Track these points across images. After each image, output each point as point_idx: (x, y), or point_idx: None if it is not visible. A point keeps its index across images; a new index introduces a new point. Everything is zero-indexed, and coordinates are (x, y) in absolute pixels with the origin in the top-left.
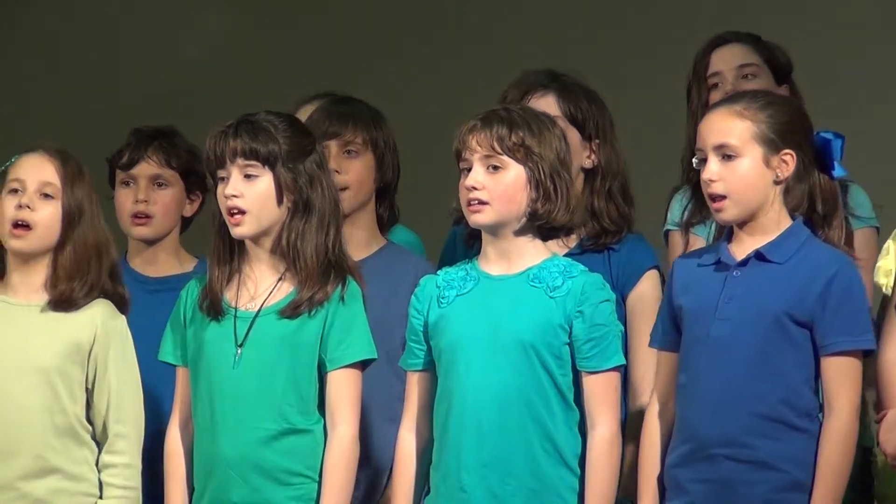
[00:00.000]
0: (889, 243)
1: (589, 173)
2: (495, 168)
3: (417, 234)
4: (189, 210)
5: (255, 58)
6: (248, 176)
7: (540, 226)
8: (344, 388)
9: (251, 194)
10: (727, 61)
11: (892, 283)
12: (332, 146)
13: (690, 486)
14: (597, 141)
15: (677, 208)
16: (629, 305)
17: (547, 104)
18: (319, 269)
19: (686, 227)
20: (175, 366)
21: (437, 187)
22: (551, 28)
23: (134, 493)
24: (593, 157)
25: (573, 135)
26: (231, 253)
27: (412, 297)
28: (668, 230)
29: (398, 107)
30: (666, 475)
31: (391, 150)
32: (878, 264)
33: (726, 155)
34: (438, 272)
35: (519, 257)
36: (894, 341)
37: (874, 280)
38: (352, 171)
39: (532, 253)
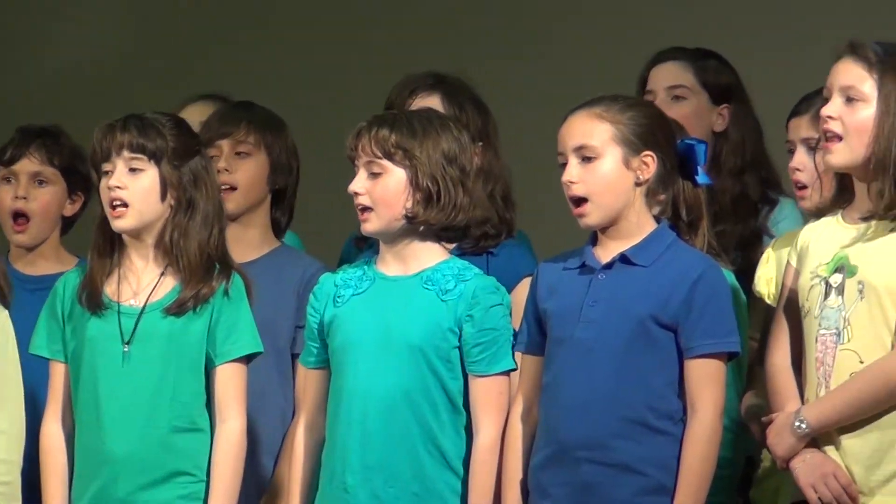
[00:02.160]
0: (768, 251)
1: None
2: (376, 174)
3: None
4: (70, 210)
5: (140, 58)
6: (132, 170)
7: (424, 230)
8: (231, 383)
9: (135, 188)
10: (660, 80)
11: (772, 292)
12: (224, 145)
13: (553, 489)
14: (479, 145)
15: None
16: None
17: (431, 105)
18: (202, 267)
19: None
20: (48, 360)
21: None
22: (451, 31)
23: (8, 488)
24: (476, 160)
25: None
26: (112, 247)
27: (310, 295)
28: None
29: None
30: (530, 478)
31: (288, 156)
32: (758, 273)
33: (586, 157)
34: (337, 271)
35: (414, 259)
36: (782, 346)
37: (754, 289)
38: (241, 171)
39: (427, 254)
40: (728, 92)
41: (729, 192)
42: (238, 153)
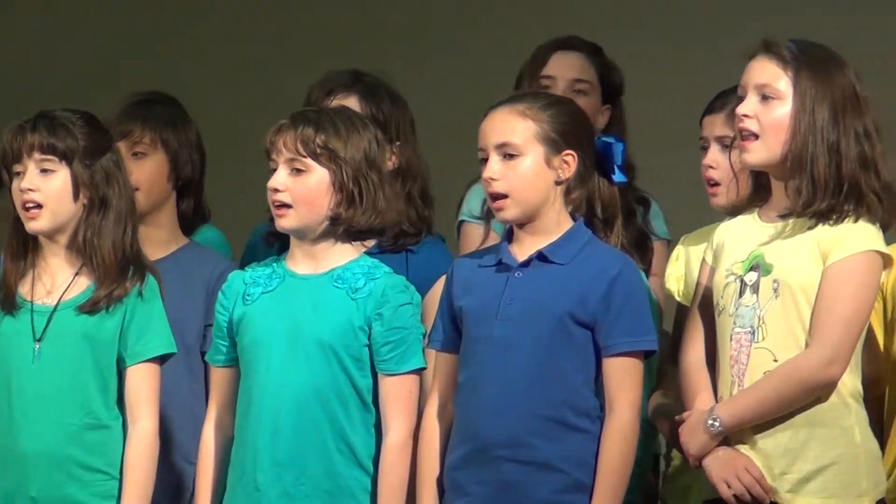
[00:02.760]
0: (678, 249)
1: (388, 175)
2: (299, 171)
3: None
4: None
5: (60, 58)
6: (44, 171)
7: (344, 231)
8: (144, 383)
9: (47, 189)
10: (564, 69)
11: (682, 289)
12: (122, 147)
13: (471, 487)
14: (398, 143)
15: (475, 199)
16: (424, 308)
17: (350, 105)
18: (117, 266)
19: (487, 219)
20: None
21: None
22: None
23: None
24: (394, 159)
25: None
26: (25, 248)
27: (219, 293)
28: (462, 221)
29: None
30: (446, 477)
31: (190, 149)
32: (668, 271)
33: (508, 154)
34: (246, 269)
35: (325, 257)
36: (697, 344)
37: (665, 287)
38: (139, 171)
39: (338, 253)
40: (617, 92)
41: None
42: (135, 153)
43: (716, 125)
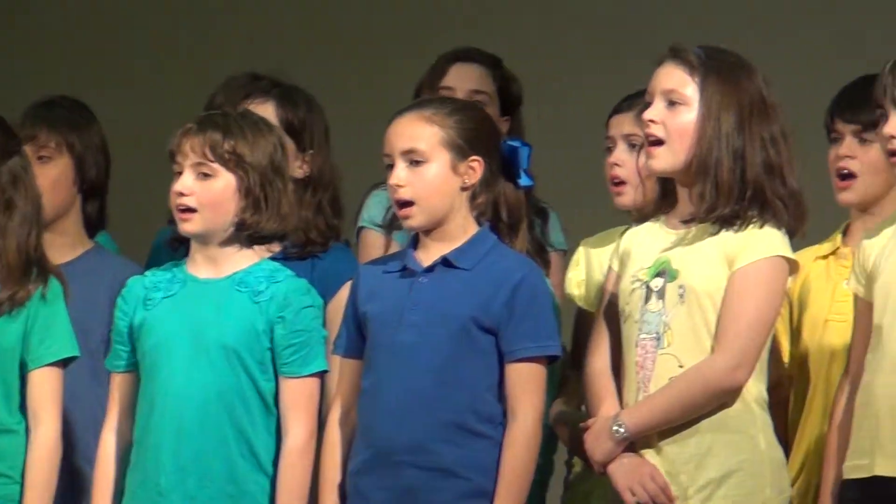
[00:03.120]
0: (579, 252)
1: (300, 183)
2: (206, 175)
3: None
4: None
5: None
6: None
7: (249, 236)
8: (46, 387)
9: None
10: (463, 80)
11: (583, 294)
12: (27, 151)
13: (373, 493)
14: (311, 152)
15: (376, 206)
16: (328, 313)
17: (265, 111)
18: (21, 268)
19: (390, 228)
20: None
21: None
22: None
23: None
24: (306, 167)
25: (288, 144)
26: None
27: (119, 298)
28: (361, 227)
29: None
30: (348, 482)
31: (95, 152)
32: (569, 276)
33: (414, 160)
34: (146, 273)
35: (226, 262)
36: (602, 350)
37: (565, 291)
38: (44, 176)
39: (240, 257)
40: (514, 104)
41: None
42: (40, 157)
43: (623, 124)
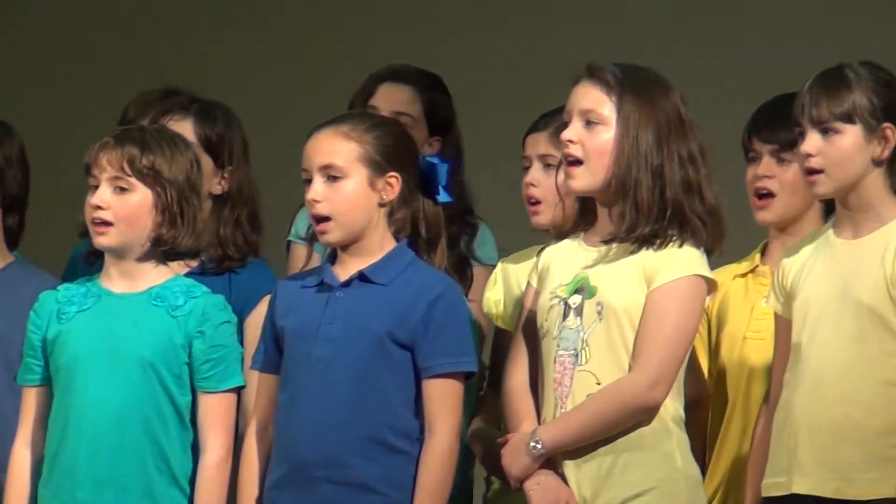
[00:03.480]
0: (497, 272)
1: (217, 199)
2: (122, 189)
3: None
4: None
5: None
6: None
7: (165, 252)
8: None
9: None
10: (388, 101)
11: (500, 313)
12: None
13: None
14: (230, 168)
15: (303, 221)
16: (246, 328)
17: (184, 127)
18: None
19: (311, 241)
20: None
21: None
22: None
23: None
24: (224, 183)
25: (206, 161)
26: None
27: (31, 312)
28: (289, 241)
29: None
30: (265, 497)
31: (15, 165)
32: (487, 295)
33: (331, 176)
34: (58, 288)
35: (142, 276)
36: (520, 367)
37: (484, 311)
38: None
39: (155, 272)
40: (444, 125)
41: None
42: None
43: (539, 144)
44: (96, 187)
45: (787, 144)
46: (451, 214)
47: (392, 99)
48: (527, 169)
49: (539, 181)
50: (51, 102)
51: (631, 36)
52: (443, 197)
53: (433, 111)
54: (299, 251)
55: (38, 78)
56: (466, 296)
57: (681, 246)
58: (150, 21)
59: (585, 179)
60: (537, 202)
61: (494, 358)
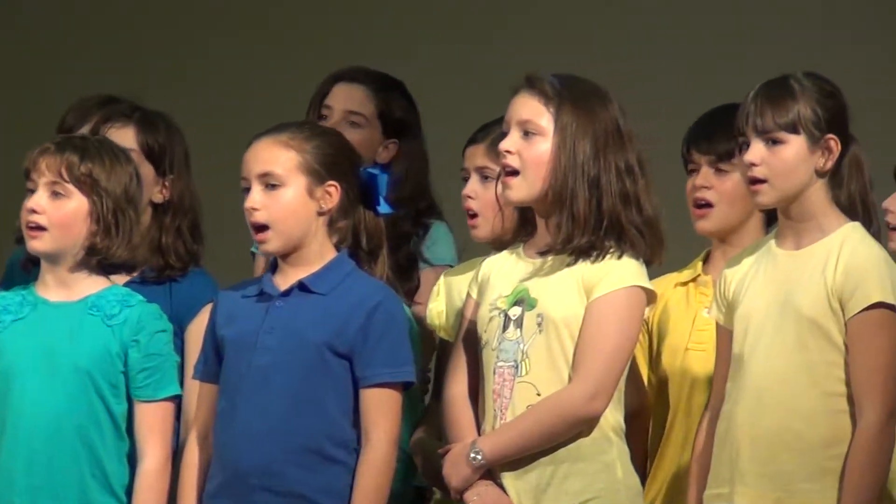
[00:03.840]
0: (440, 283)
1: (158, 208)
2: (59, 195)
3: None
4: None
5: None
6: None
7: (99, 260)
8: None
9: None
10: (340, 100)
11: (443, 324)
12: None
13: None
14: (171, 176)
15: None
16: (187, 337)
17: (125, 135)
18: None
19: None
20: None
21: None
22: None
23: None
24: (165, 192)
25: (147, 170)
26: None
27: None
28: (253, 252)
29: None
30: None
31: None
32: (430, 306)
33: (270, 184)
34: None
35: (78, 285)
36: (460, 378)
37: (427, 322)
38: None
39: (91, 282)
40: (400, 127)
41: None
42: None
43: (477, 156)
44: (34, 192)
45: (725, 155)
46: (407, 214)
47: (345, 98)
48: (465, 180)
49: (477, 193)
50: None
51: (591, 46)
52: (383, 208)
53: (388, 112)
54: (262, 262)
55: None
56: (413, 298)
57: (619, 257)
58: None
59: (522, 190)
60: (475, 215)
61: (438, 368)
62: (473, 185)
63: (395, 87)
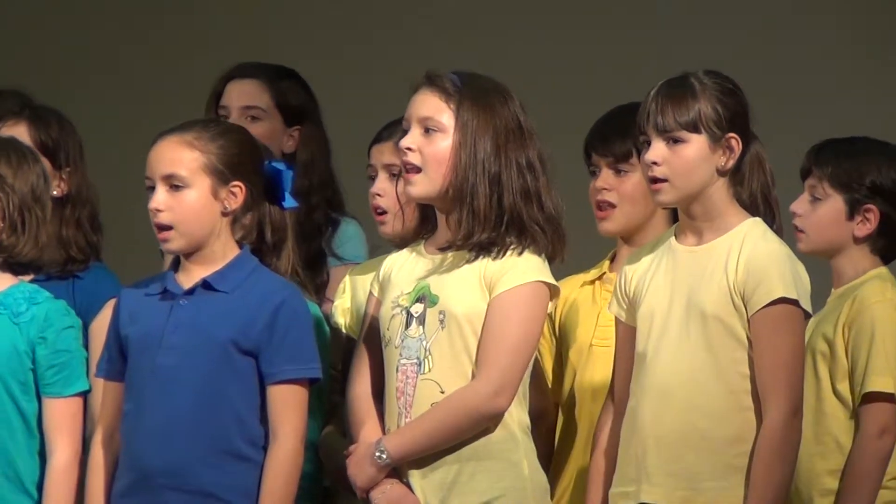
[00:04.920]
0: (345, 281)
1: (58, 202)
2: None
3: None
4: None
5: None
6: None
7: (5, 258)
8: None
9: None
10: (235, 98)
11: (348, 322)
12: None
13: None
14: (68, 169)
15: None
16: (91, 333)
17: (18, 131)
18: None
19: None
20: None
21: None
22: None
23: None
24: (63, 185)
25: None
26: None
27: None
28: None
29: None
30: None
31: None
32: (336, 304)
33: (174, 185)
34: None
35: None
36: (364, 376)
37: (332, 319)
38: None
39: None
40: (301, 114)
41: (295, 213)
42: None
43: (384, 154)
44: None
45: (623, 156)
46: (319, 204)
47: (240, 94)
48: (372, 178)
49: (385, 191)
50: None
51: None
52: (288, 203)
53: (285, 102)
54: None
55: None
56: (323, 293)
57: (521, 253)
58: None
59: (423, 186)
60: (384, 212)
61: (345, 366)
62: (382, 183)
63: (289, 75)
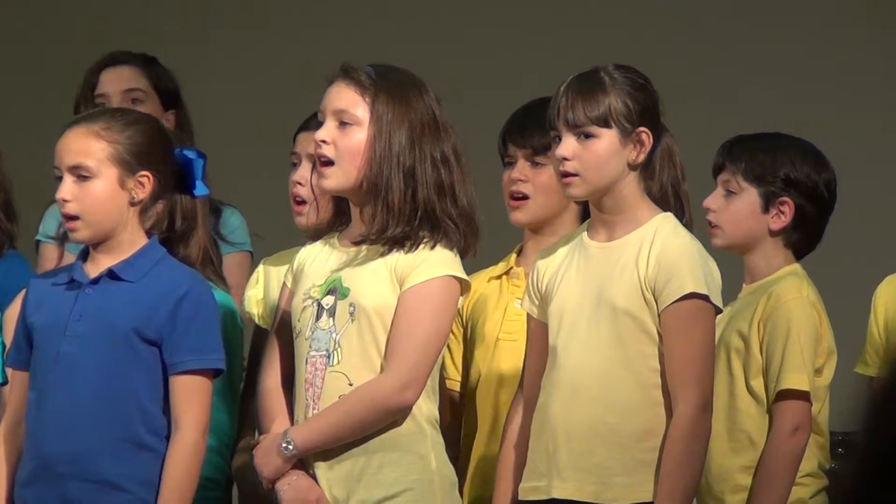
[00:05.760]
0: (258, 271)
1: None
2: None
3: None
4: None
5: None
6: None
7: None
8: None
9: None
10: (114, 83)
11: (261, 312)
12: None
13: None
14: None
15: (51, 220)
16: (5, 322)
17: None
18: None
19: (62, 240)
20: None
21: None
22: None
23: None
24: None
25: None
26: None
27: None
28: (38, 241)
29: None
30: (15, 495)
31: None
32: (249, 294)
33: (81, 175)
34: None
35: None
36: (274, 368)
37: (245, 310)
38: None
39: None
40: (175, 98)
41: (206, 200)
42: None
43: (309, 143)
44: None
45: (541, 149)
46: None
47: (118, 79)
48: (294, 166)
49: (307, 180)
50: None
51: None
52: (199, 190)
53: (160, 84)
54: (48, 251)
55: None
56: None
57: (433, 247)
58: None
59: (337, 179)
60: (303, 202)
61: (252, 357)
62: (304, 171)
63: (155, 61)
